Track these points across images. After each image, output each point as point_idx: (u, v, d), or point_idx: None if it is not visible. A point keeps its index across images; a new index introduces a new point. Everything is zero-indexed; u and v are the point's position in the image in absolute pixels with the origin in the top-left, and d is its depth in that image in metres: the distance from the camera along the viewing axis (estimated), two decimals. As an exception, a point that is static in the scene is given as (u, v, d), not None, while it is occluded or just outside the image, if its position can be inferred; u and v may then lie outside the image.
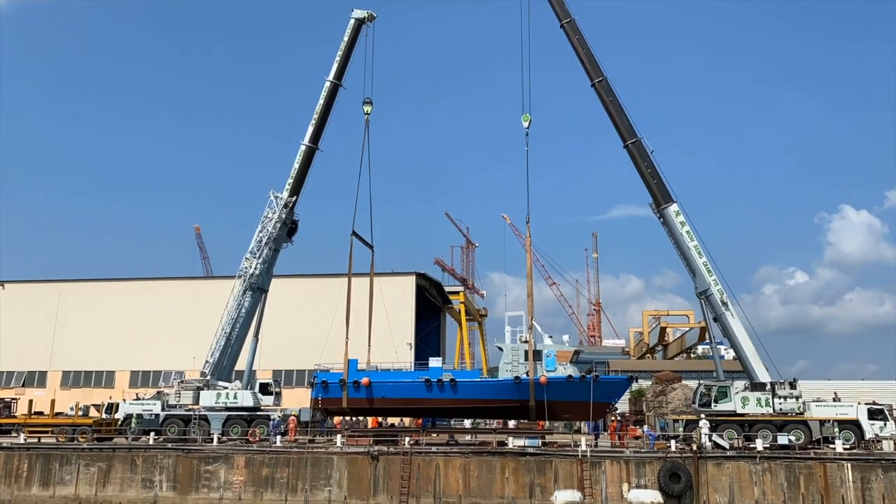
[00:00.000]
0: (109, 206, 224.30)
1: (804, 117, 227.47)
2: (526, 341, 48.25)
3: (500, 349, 49.90)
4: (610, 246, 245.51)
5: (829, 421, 42.66)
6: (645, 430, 47.36)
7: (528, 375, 46.84)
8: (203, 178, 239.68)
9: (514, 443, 42.34)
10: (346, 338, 50.62)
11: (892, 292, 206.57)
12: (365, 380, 48.81)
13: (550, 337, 49.73)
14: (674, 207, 47.68)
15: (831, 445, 40.56)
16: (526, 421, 50.32)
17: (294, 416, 48.91)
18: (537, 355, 47.60)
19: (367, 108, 54.29)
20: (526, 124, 50.97)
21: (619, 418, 55.76)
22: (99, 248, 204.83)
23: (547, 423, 51.19)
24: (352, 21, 53.93)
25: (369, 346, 52.46)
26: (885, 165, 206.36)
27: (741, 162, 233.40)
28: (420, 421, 59.13)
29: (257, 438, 45.80)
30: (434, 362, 51.67)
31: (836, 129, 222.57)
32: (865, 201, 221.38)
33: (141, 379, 74.16)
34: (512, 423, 55.04)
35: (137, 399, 51.59)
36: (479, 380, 49.67)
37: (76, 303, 79.04)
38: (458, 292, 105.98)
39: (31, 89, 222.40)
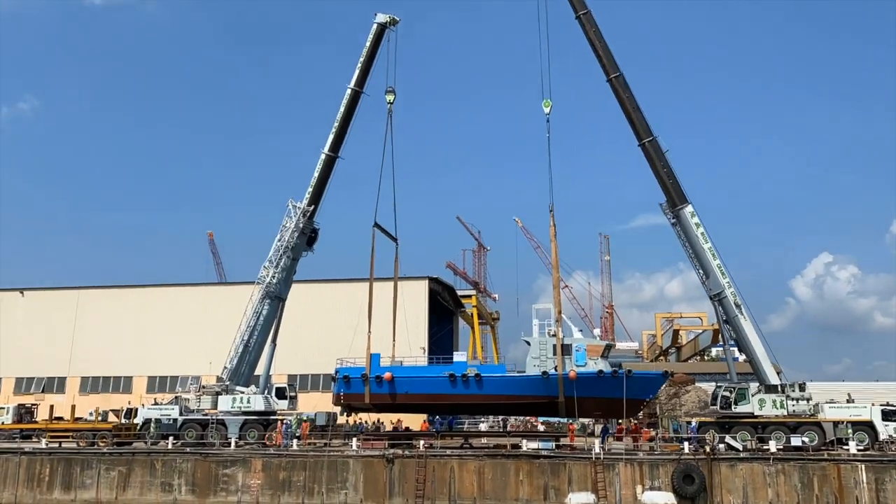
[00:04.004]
0: (125, 213, 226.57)
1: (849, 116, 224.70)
2: (554, 335, 46.42)
3: (528, 343, 47.56)
4: (629, 253, 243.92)
5: (842, 422, 42.69)
6: (692, 425, 44.85)
7: (556, 370, 45.08)
8: (217, 184, 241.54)
9: (527, 445, 42.68)
10: (369, 331, 49.40)
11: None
12: (387, 374, 47.58)
13: (580, 330, 47.69)
14: (689, 209, 47.66)
15: (845, 447, 40.61)
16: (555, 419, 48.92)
17: (306, 421, 49.32)
18: (566, 350, 45.80)
19: (390, 98, 53.66)
20: (547, 110, 50.29)
21: (632, 420, 55.34)
22: (115, 255, 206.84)
23: (576, 421, 49.65)
24: (374, 26, 53.17)
25: (394, 340, 51.25)
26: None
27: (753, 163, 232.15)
28: (426, 425, 59.08)
29: (275, 442, 46.30)
30: (459, 356, 50.31)
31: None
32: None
33: (158, 384, 74.89)
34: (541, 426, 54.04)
35: (156, 404, 52.28)
36: (505, 375, 47.72)
37: (94, 309, 80.00)
38: (470, 296, 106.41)
39: (49, 92, 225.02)
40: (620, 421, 50.98)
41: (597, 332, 47.39)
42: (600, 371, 44.99)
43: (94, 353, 77.61)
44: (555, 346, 45.89)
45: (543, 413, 51.57)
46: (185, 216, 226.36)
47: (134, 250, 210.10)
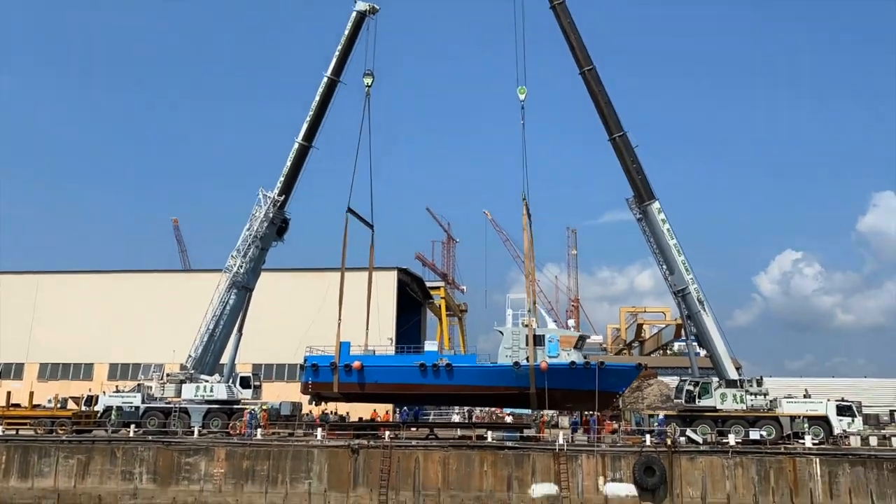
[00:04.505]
0: (86, 197, 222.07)
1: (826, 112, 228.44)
2: (527, 325, 45.82)
3: (501, 333, 47.00)
4: (601, 248, 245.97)
5: (799, 417, 43.76)
6: (660, 418, 45.74)
7: (528, 361, 44.62)
8: (183, 169, 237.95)
9: (492, 437, 42.98)
10: (339, 318, 48.52)
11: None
12: (356, 363, 46.88)
13: (555, 321, 47.72)
14: (656, 205, 48.13)
15: (801, 441, 41.63)
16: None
17: (265, 409, 48.91)
18: (539, 340, 45.34)
19: (368, 81, 52.69)
20: (522, 97, 50.12)
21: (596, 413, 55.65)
22: (76, 240, 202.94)
23: (547, 412, 49.08)
24: (353, 14, 52.09)
25: (367, 328, 50.42)
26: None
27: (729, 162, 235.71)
28: (388, 415, 58.86)
29: (238, 431, 45.96)
30: (430, 346, 49.71)
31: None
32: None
33: (120, 371, 73.80)
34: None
35: (117, 391, 51.54)
36: (476, 365, 47.04)
37: (54, 295, 78.45)
38: (438, 287, 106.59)
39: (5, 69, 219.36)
40: (586, 413, 50.49)
41: (571, 322, 47.06)
42: (572, 362, 44.62)
43: (53, 340, 76.13)
44: (527, 336, 45.39)
45: (514, 404, 51.21)
46: (148, 202, 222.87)
47: (95, 236, 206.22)
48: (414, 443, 42.66)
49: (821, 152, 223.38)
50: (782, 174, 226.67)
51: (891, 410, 62.62)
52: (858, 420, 44.44)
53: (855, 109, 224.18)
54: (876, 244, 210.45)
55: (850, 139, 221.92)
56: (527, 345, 45.09)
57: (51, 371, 76.59)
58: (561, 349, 45.10)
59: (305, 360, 49.48)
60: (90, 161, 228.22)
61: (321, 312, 52.42)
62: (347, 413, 58.30)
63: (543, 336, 45.67)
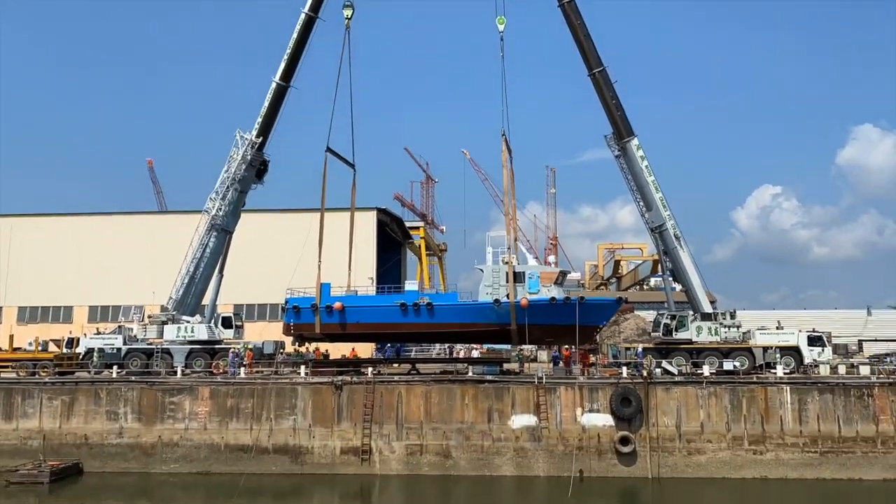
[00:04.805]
0: (58, 137, 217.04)
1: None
2: (507, 262, 45.64)
3: (481, 271, 46.97)
4: (583, 185, 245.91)
5: (771, 348, 44.97)
6: (638, 350, 46.76)
7: (508, 298, 44.70)
8: (156, 108, 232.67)
9: (473, 371, 43.76)
10: (319, 260, 48.17)
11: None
12: (338, 304, 46.94)
13: (536, 258, 47.55)
14: (635, 142, 48.12)
15: (773, 371, 42.87)
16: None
17: (249, 349, 49.30)
18: (519, 277, 45.27)
19: (348, 13, 51.36)
20: (501, 27, 49.30)
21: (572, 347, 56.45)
22: (51, 183, 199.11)
23: (528, 347, 49.36)
24: None
25: (349, 268, 50.37)
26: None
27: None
28: (355, 352, 59.15)
29: (221, 370, 46.37)
30: (410, 285, 49.71)
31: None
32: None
33: (100, 314, 73.60)
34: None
35: (98, 334, 51.55)
36: (457, 303, 47.06)
37: (30, 238, 77.46)
38: (418, 227, 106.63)
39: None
40: (566, 347, 50.92)
41: (552, 259, 46.98)
42: (553, 298, 44.73)
43: (31, 283, 75.59)
44: (507, 273, 45.43)
45: (495, 341, 51.46)
46: (122, 143, 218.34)
47: (68, 178, 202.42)
48: (396, 378, 43.37)
49: (800, 86, 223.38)
50: (761, 109, 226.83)
51: (859, 340, 64.46)
52: (828, 350, 45.80)
53: (837, 45, 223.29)
54: (854, 177, 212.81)
55: (830, 74, 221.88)
56: (507, 282, 45.12)
57: (30, 314, 76.27)
58: (542, 285, 45.16)
59: (286, 303, 49.39)
60: (62, 103, 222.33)
61: (301, 253, 52.09)
62: (328, 350, 58.85)
63: (524, 273, 45.76)
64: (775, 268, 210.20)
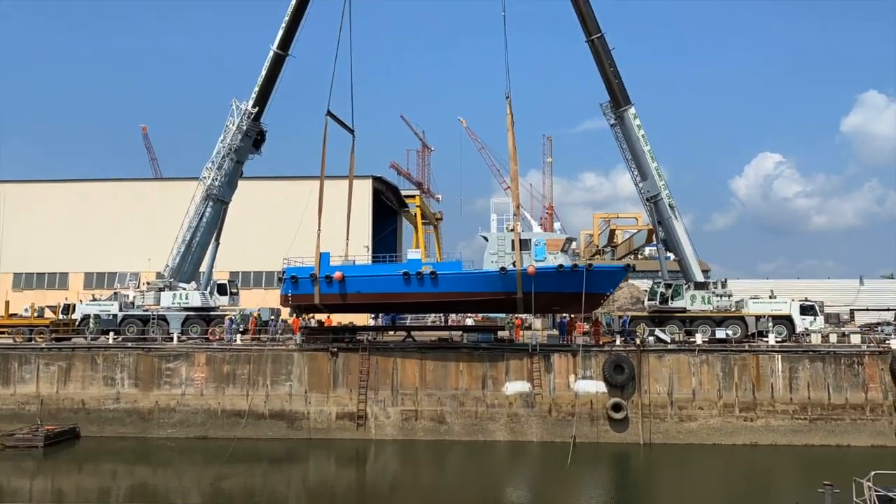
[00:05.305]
0: (51, 104, 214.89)
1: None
2: (512, 230, 44.46)
3: (485, 239, 45.52)
4: (584, 154, 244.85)
5: (764, 316, 45.31)
6: (625, 318, 47.12)
7: (514, 266, 43.38)
8: (151, 74, 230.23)
9: (468, 338, 44.08)
10: (318, 228, 46.60)
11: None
12: (338, 274, 45.20)
13: (541, 224, 46.38)
14: (632, 110, 47.83)
15: (765, 339, 43.27)
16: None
17: (254, 315, 49.56)
18: (525, 245, 43.94)
19: None
20: None
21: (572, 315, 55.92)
22: (41, 148, 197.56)
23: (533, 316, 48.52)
24: None
25: (347, 237, 49.23)
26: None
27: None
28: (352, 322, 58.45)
29: (217, 337, 46.62)
30: (413, 254, 48.40)
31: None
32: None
33: (95, 280, 73.60)
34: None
35: (94, 300, 51.68)
36: (462, 272, 45.35)
37: (24, 204, 77.08)
38: (414, 196, 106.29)
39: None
40: (572, 316, 49.10)
41: (558, 226, 45.64)
42: (560, 266, 43.47)
43: (26, 250, 75.36)
44: (513, 241, 44.19)
45: (501, 310, 50.27)
46: (116, 110, 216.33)
47: (62, 145, 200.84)
48: (392, 345, 43.69)
49: (804, 52, 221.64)
50: (764, 76, 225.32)
51: (851, 309, 64.87)
52: (820, 319, 46.13)
53: (842, 9, 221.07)
54: (857, 145, 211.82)
55: (833, 39, 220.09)
56: (513, 249, 44.04)
57: (25, 281, 76.23)
58: (548, 252, 44.09)
59: (284, 272, 47.76)
60: (56, 69, 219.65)
61: (298, 220, 51.57)
62: (327, 317, 58.96)
63: (529, 240, 44.58)
64: (774, 237, 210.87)
